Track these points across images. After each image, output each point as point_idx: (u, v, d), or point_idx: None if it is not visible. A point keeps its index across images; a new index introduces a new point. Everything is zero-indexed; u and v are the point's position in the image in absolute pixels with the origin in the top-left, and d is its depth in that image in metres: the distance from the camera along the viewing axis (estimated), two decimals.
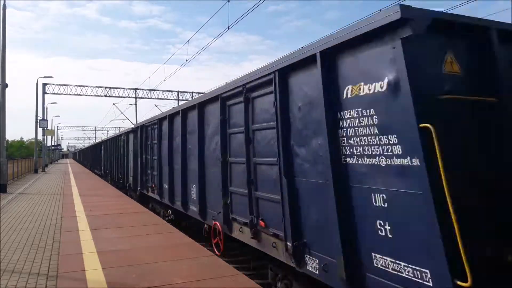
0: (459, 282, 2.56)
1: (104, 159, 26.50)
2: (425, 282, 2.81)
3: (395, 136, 3.03)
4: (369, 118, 3.27)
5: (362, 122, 3.34)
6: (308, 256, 4.11)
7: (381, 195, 3.17)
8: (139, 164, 13.44)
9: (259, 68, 5.79)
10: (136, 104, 43.25)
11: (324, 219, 3.80)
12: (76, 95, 39.55)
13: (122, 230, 8.01)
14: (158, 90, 42.68)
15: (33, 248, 6.69)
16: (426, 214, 2.76)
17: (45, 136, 43.41)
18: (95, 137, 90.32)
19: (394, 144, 3.05)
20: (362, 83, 3.33)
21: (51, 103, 51.32)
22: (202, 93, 41.68)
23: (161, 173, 10.46)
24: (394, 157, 3.06)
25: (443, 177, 2.64)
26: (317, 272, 3.95)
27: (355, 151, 3.44)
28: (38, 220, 9.49)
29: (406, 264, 2.96)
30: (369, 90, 3.25)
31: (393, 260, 3.07)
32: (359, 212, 3.42)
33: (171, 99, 43.43)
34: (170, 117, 9.48)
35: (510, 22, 3.69)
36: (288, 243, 4.34)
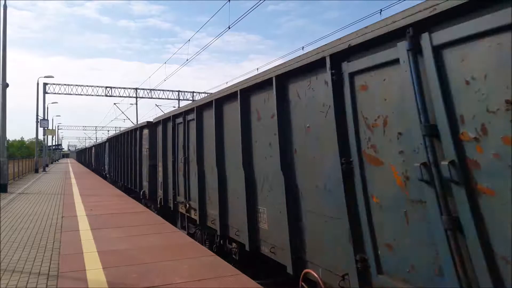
0: None
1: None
2: None
3: None
4: None
5: None
6: None
7: None
8: None
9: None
10: (136, 104, 43.32)
11: None
12: (76, 94, 39.61)
13: (122, 229, 8.00)
14: (158, 90, 42.75)
15: (34, 248, 6.68)
16: None
17: (45, 136, 43.45)
18: (96, 137, 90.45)
19: None
20: None
21: (52, 102, 51.51)
22: (203, 93, 41.74)
23: None
24: None
25: None
26: None
27: None
28: (39, 220, 9.48)
29: None
30: None
31: None
32: None
33: (172, 99, 43.53)
34: None
35: None
36: None
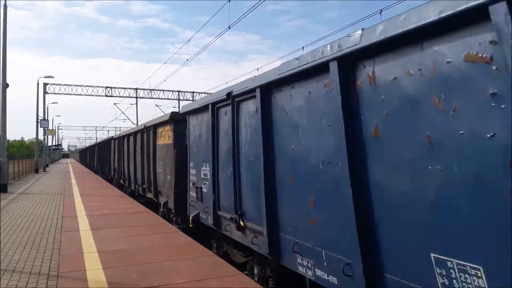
0: None
1: None
2: None
3: None
4: None
5: None
6: None
7: None
8: None
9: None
10: (136, 104, 43.32)
11: None
12: (77, 95, 39.60)
13: (122, 230, 8.01)
14: (159, 90, 42.73)
15: (34, 248, 6.69)
16: None
17: (46, 136, 43.44)
18: (96, 137, 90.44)
19: None
20: None
21: (52, 103, 51.43)
22: (203, 93, 41.76)
23: None
24: None
25: None
26: None
27: None
28: (39, 220, 9.49)
29: None
30: None
31: None
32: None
33: (172, 99, 43.49)
34: None
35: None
36: None
